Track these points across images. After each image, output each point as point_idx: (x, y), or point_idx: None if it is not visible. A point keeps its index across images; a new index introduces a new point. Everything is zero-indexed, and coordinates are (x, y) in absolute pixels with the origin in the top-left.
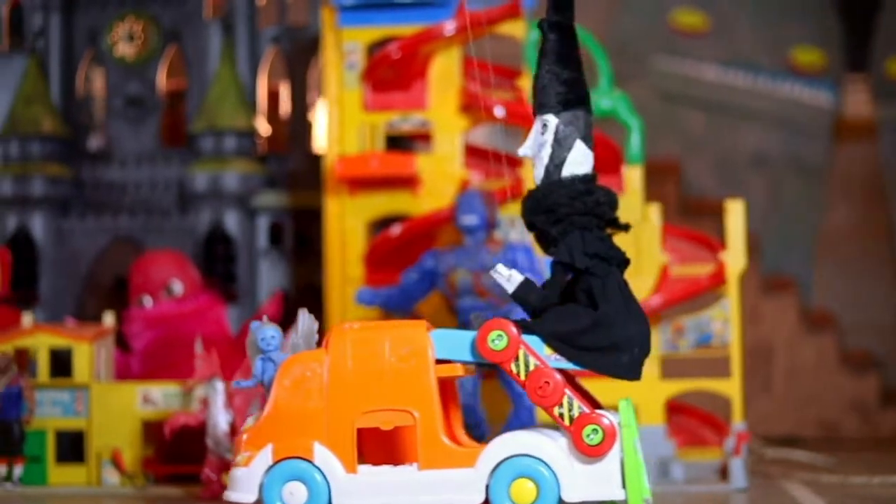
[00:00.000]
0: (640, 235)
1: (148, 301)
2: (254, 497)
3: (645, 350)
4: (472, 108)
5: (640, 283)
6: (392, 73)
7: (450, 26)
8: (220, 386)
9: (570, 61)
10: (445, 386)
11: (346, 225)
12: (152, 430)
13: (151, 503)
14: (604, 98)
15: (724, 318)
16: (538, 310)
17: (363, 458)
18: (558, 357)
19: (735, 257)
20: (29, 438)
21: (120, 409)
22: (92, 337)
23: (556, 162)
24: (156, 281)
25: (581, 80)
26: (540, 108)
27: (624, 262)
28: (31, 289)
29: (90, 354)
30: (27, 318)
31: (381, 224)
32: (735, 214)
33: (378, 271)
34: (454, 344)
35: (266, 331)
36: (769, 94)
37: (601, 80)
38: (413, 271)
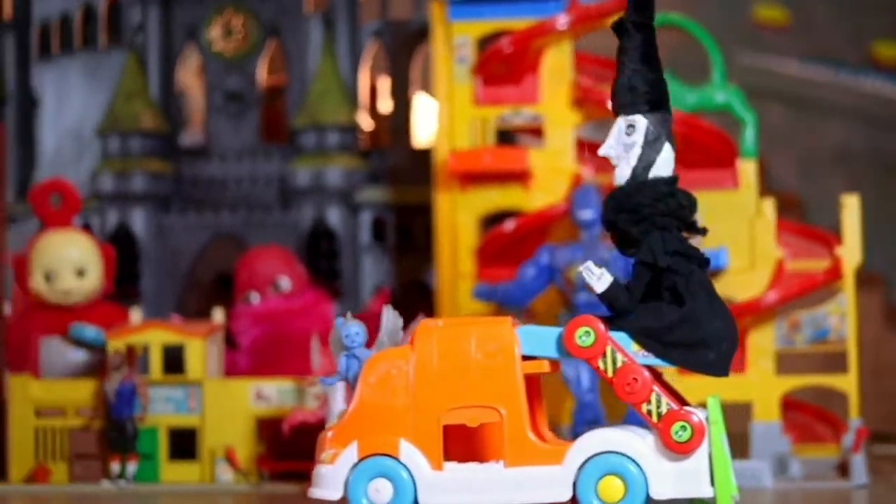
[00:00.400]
0: (755, 230)
1: (255, 297)
2: (339, 494)
3: (733, 346)
4: (585, 102)
5: (755, 278)
6: (504, 67)
7: (562, 20)
8: (339, 385)
9: (654, 61)
10: (531, 382)
11: (457, 220)
12: (265, 427)
13: (266, 501)
14: (718, 92)
15: (841, 313)
16: (626, 310)
17: (447, 454)
18: (646, 353)
19: (851, 252)
20: (141, 435)
21: (233, 406)
22: (204, 333)
23: (645, 164)
24: (262, 277)
25: (664, 80)
26: (625, 107)
27: (704, 262)
28: (133, 286)
29: (203, 351)
30: (136, 315)
31: (491, 220)
32: (851, 209)
33: (490, 267)
34: (541, 340)
35: (350, 327)
36: (851, 89)
37: (715, 73)
38: (529, 266)
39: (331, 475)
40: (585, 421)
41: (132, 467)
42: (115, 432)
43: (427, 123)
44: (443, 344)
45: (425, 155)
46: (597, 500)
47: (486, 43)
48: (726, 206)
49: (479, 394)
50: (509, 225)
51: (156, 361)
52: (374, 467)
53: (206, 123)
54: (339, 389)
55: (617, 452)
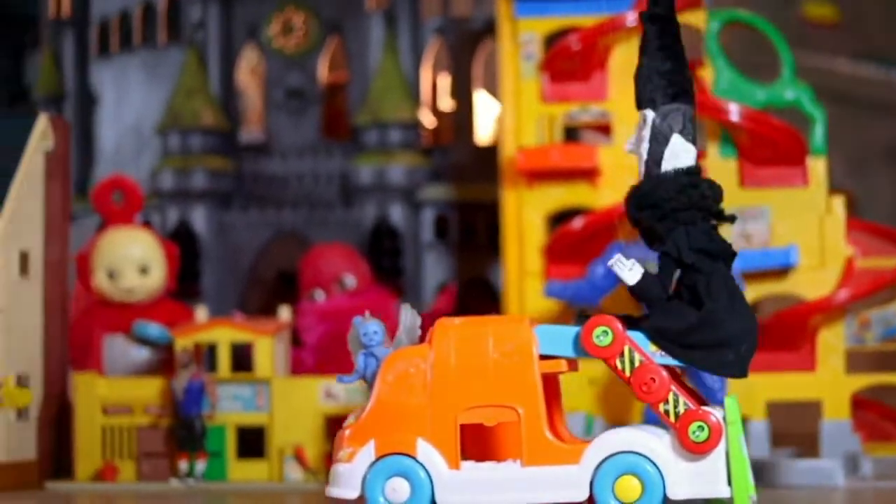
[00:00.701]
0: (825, 228)
1: (320, 295)
2: (356, 493)
3: (752, 347)
4: None
5: (825, 276)
6: (571, 64)
7: (632, 17)
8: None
9: (670, 54)
10: (549, 381)
11: (524, 217)
12: (334, 426)
13: (334, 500)
14: (787, 89)
15: None
16: (659, 301)
17: (464, 453)
18: (663, 353)
19: None
20: (209, 434)
21: (301, 404)
22: (272, 331)
23: (655, 157)
24: (328, 275)
25: (681, 72)
26: (639, 102)
27: (731, 256)
28: (194, 283)
29: (271, 349)
30: (201, 313)
31: (557, 218)
32: None
33: (558, 264)
34: (558, 339)
35: (369, 326)
36: None
37: (784, 70)
38: (599, 265)
39: (348, 474)
40: (656, 421)
41: (201, 466)
42: (184, 430)
43: (489, 121)
44: (460, 343)
45: (488, 152)
46: (614, 499)
47: (552, 40)
48: (796, 204)
49: (496, 393)
50: (578, 222)
51: (224, 360)
52: (392, 466)
53: (267, 120)
54: None
55: (634, 452)
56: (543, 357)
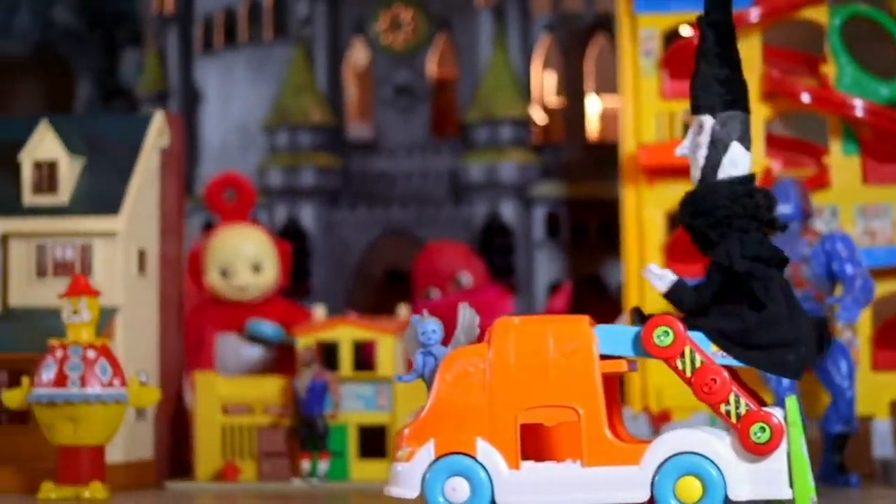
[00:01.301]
0: None
1: (435, 293)
2: (416, 492)
3: (809, 350)
4: (775, 95)
5: None
6: (692, 61)
7: (755, 13)
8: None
9: (727, 60)
10: (609, 381)
11: (644, 215)
12: None
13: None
14: None
15: None
16: (692, 311)
17: (525, 452)
18: (724, 354)
19: None
20: (331, 433)
21: (424, 403)
22: (394, 329)
23: (712, 164)
24: (444, 272)
25: (738, 79)
26: (696, 108)
27: (783, 262)
28: (303, 281)
29: (393, 347)
30: (320, 311)
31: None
32: None
33: (678, 263)
34: (619, 339)
35: (427, 325)
36: None
37: None
38: None
39: (407, 473)
40: (841, 417)
41: (324, 465)
42: (306, 430)
43: (600, 117)
44: (520, 342)
45: (599, 149)
46: (675, 500)
47: (670, 36)
48: None
49: (556, 393)
50: None
51: (346, 358)
52: (451, 466)
53: (374, 117)
54: None
55: (695, 453)
56: (604, 357)
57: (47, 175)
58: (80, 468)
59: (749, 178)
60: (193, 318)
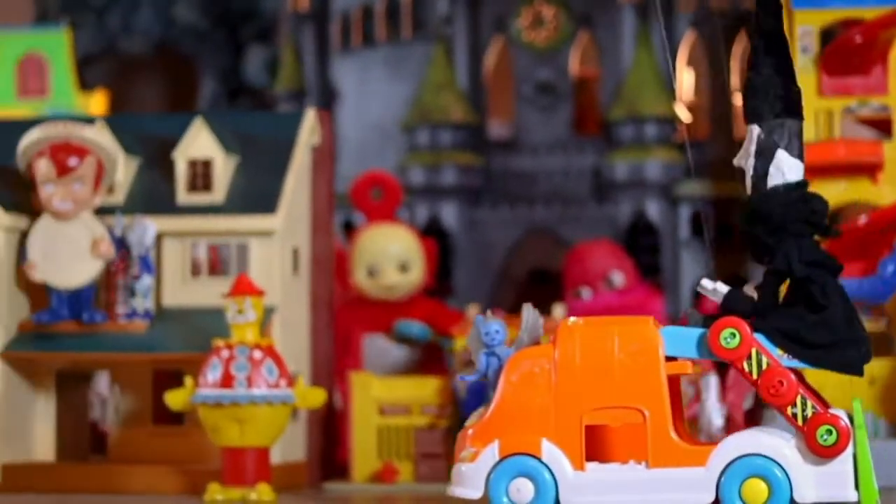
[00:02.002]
0: None
1: (587, 293)
2: (479, 493)
3: (870, 350)
4: None
5: None
6: (851, 58)
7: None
8: (713, 380)
9: (778, 68)
10: (672, 383)
11: None
12: None
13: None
14: None
15: None
16: (747, 317)
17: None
18: (790, 356)
19: None
20: None
21: None
22: (550, 329)
23: (760, 172)
24: (595, 272)
25: (788, 87)
26: (746, 117)
27: (838, 270)
28: (445, 280)
29: None
30: (473, 311)
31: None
32: None
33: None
34: (684, 341)
35: (491, 325)
36: None
37: None
38: (890, 262)
39: (472, 474)
40: None
41: None
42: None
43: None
44: (585, 343)
45: None
46: (740, 502)
47: (828, 33)
48: None
49: (621, 394)
50: (862, 219)
51: None
52: (516, 467)
53: (516, 115)
54: (714, 387)
55: (761, 455)
56: (668, 358)
57: (202, 173)
58: (246, 470)
59: (803, 184)
60: (340, 318)
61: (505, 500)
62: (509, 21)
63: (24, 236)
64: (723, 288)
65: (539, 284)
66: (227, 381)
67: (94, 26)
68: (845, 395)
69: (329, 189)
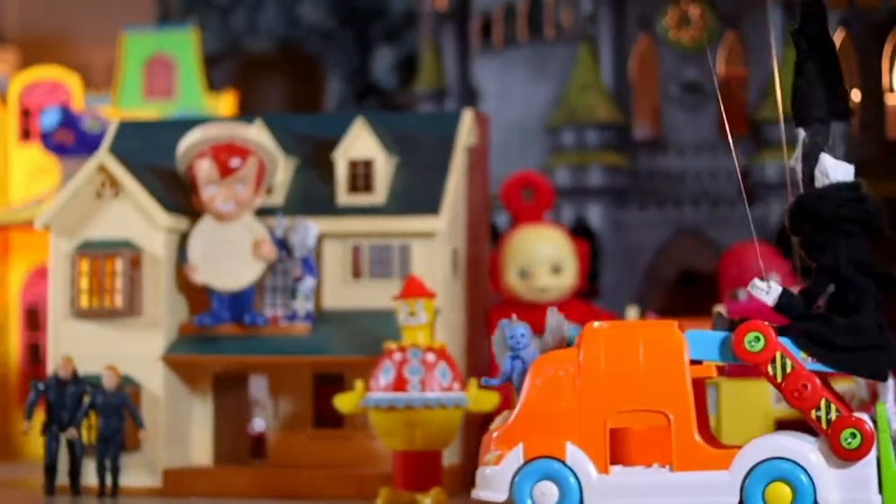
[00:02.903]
0: None
1: (743, 295)
2: (504, 496)
3: (894, 359)
4: None
5: None
6: None
7: None
8: (890, 383)
9: (823, 72)
10: (697, 386)
11: None
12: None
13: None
14: None
15: None
16: (802, 317)
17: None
18: (814, 360)
19: None
20: None
21: (751, 407)
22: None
23: (805, 176)
24: (752, 274)
25: (833, 90)
26: (795, 120)
27: (889, 282)
28: (592, 282)
29: None
30: (632, 313)
31: None
32: None
33: None
34: (709, 345)
35: (516, 329)
36: None
37: None
38: None
39: (496, 477)
40: None
41: None
42: None
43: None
44: (610, 347)
45: None
46: None
47: None
48: None
49: (646, 398)
50: None
51: None
52: (540, 470)
53: (661, 115)
54: (891, 390)
55: (785, 459)
56: (693, 362)
57: (363, 174)
58: (419, 474)
59: (857, 185)
60: (493, 320)
61: (529, 503)
62: (655, 20)
63: (183, 238)
64: (777, 289)
65: (688, 286)
66: (400, 384)
67: (217, 26)
68: None
69: (485, 190)
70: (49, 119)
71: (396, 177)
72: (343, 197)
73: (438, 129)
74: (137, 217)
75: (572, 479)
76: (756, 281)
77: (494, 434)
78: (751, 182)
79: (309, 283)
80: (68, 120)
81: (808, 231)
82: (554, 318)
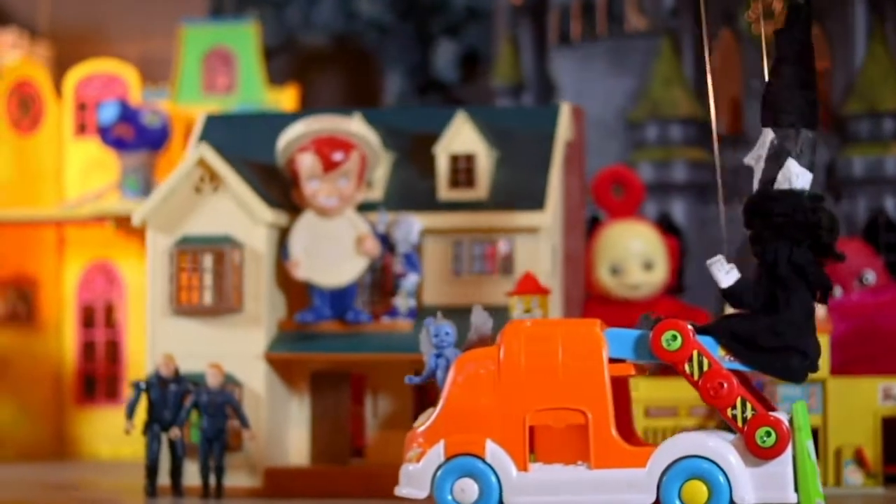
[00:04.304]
0: None
1: (838, 291)
2: (425, 493)
3: (815, 363)
4: None
5: None
6: None
7: None
8: None
9: (800, 78)
10: (619, 384)
11: None
12: (892, 427)
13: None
14: None
15: None
16: (752, 308)
17: (534, 454)
18: (731, 358)
19: None
20: None
21: (858, 405)
22: (821, 330)
23: (766, 179)
24: (847, 271)
25: (805, 97)
26: (762, 120)
27: (826, 289)
28: (677, 278)
29: (826, 348)
30: (729, 311)
31: None
32: None
33: None
34: (628, 343)
35: (441, 327)
36: None
37: None
38: None
39: (417, 474)
40: None
41: None
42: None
43: None
44: (530, 345)
45: None
46: (680, 503)
47: None
48: None
49: (565, 396)
50: None
51: None
52: (461, 467)
53: (744, 110)
54: None
55: (701, 457)
56: (613, 361)
57: (464, 168)
58: None
59: (819, 196)
60: (586, 317)
61: (450, 499)
62: (737, 14)
63: (282, 233)
64: (735, 273)
65: None
66: None
67: (272, 19)
68: None
69: (581, 185)
70: (107, 113)
71: (496, 171)
72: (444, 192)
73: (536, 124)
74: (238, 212)
75: (492, 476)
76: (720, 257)
77: (417, 431)
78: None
79: (412, 279)
80: (127, 114)
81: (757, 227)
82: (477, 315)
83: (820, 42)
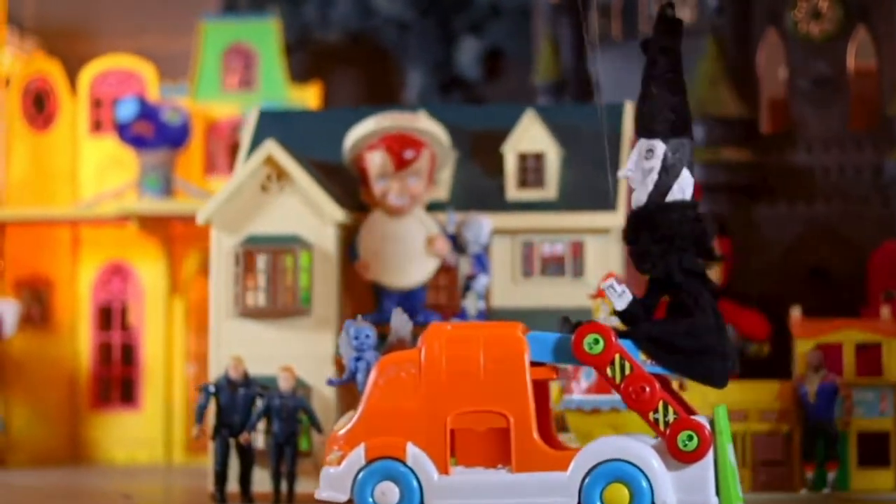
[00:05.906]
0: None
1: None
2: (346, 496)
3: (734, 364)
4: None
5: None
6: None
7: None
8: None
9: (678, 87)
10: (541, 388)
11: None
12: None
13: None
14: None
15: None
16: (642, 327)
17: (456, 457)
18: (653, 362)
19: None
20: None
21: None
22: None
23: (662, 189)
24: None
25: (686, 105)
26: (645, 132)
27: (715, 290)
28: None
29: None
30: (796, 313)
31: None
32: None
33: None
34: (549, 347)
35: (360, 330)
36: None
37: None
38: None
39: (338, 477)
40: None
41: (832, 475)
42: (814, 437)
43: None
44: (451, 348)
45: None
46: None
47: None
48: None
49: (486, 399)
50: None
51: (849, 362)
52: (381, 471)
53: (790, 110)
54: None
55: (623, 460)
56: (535, 364)
57: (533, 167)
58: None
59: (696, 204)
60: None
61: (371, 503)
62: (783, 13)
63: (349, 232)
64: (628, 295)
65: (820, 283)
66: (602, 386)
67: (288, 16)
68: None
69: None
70: (126, 110)
71: (564, 170)
72: (512, 192)
73: (597, 122)
74: (306, 211)
75: (412, 480)
76: (612, 281)
77: (338, 433)
78: (883, 179)
79: (483, 280)
80: (147, 111)
81: (644, 242)
82: (397, 318)
83: (866, 42)
